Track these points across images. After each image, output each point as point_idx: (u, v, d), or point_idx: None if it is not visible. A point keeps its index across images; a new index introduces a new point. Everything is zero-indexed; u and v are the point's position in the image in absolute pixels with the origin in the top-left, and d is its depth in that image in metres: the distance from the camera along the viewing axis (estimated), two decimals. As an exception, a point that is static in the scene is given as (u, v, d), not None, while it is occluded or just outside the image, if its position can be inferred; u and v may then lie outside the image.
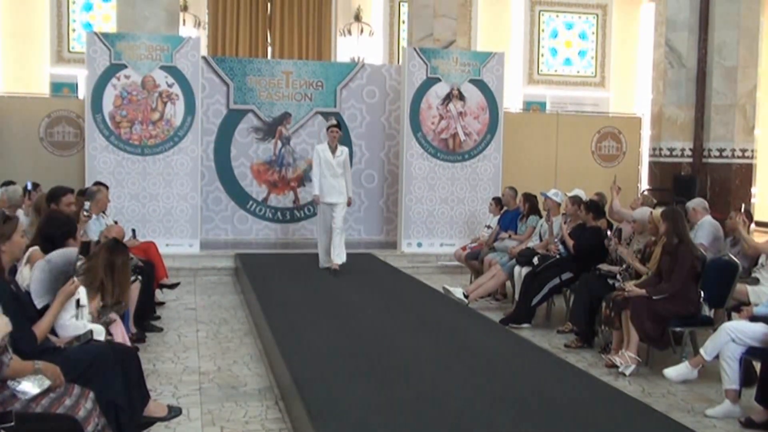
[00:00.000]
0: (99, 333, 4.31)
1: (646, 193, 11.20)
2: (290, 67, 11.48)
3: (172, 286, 7.84)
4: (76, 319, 4.20)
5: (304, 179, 11.38)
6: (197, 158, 10.14)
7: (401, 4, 15.51)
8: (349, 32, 15.69)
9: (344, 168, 8.82)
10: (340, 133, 8.87)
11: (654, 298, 5.63)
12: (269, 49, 15.66)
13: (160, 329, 6.71)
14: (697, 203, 7.35)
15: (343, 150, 8.85)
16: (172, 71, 9.99)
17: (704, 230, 7.01)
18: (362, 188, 11.55)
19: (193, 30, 15.03)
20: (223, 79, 11.05)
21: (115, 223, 7.59)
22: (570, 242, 7.16)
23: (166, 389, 5.09)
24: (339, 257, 8.71)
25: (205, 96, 10.83)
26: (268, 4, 15.55)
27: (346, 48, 15.72)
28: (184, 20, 14.45)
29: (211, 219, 11.12)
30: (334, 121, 8.89)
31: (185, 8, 14.94)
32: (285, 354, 5.14)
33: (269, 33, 15.67)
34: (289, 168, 11.39)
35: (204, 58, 11.11)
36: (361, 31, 15.65)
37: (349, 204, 8.99)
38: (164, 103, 10.01)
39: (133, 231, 7.81)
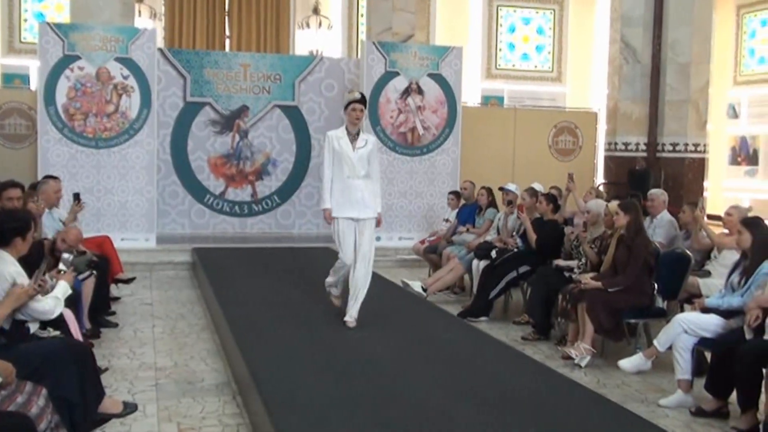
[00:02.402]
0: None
1: (600, 187, 11.36)
2: (248, 59, 11.39)
3: (128, 281, 7.74)
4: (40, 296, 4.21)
5: (262, 173, 11.33)
6: (153, 151, 10.02)
7: (366, -3, 15.47)
8: (308, 25, 15.61)
9: (369, 165, 6.03)
10: (364, 112, 6.09)
11: (609, 290, 5.71)
12: (227, 41, 15.50)
13: (116, 325, 6.62)
14: (660, 193, 7.46)
15: (367, 139, 6.07)
16: (128, 63, 9.84)
17: (663, 228, 7.13)
18: (321, 182, 11.48)
19: (149, 21, 14.81)
20: (180, 72, 10.92)
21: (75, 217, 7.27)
22: (533, 236, 7.21)
23: (121, 385, 5.02)
24: (355, 307, 5.91)
25: (162, 88, 10.70)
26: (226, -3, 15.40)
27: (304, 41, 15.63)
28: (139, 11, 14.22)
29: (167, 213, 10.99)
30: (356, 95, 6.06)
31: (141, -1, 14.72)
32: (243, 348, 5.10)
33: (227, 25, 15.51)
34: (247, 161, 11.31)
35: (160, 50, 10.97)
36: (320, 24, 15.57)
37: (379, 224, 6.15)
38: (119, 96, 9.86)
39: (76, 195, 7.23)
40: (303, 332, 5.72)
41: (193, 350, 5.95)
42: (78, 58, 9.71)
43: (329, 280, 6.33)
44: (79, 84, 9.75)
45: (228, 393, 4.95)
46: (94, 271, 6.22)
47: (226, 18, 15.47)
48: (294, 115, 11.37)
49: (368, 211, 5.99)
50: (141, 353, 5.83)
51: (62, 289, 4.45)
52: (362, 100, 6.02)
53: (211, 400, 4.81)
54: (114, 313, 7.02)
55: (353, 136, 6.00)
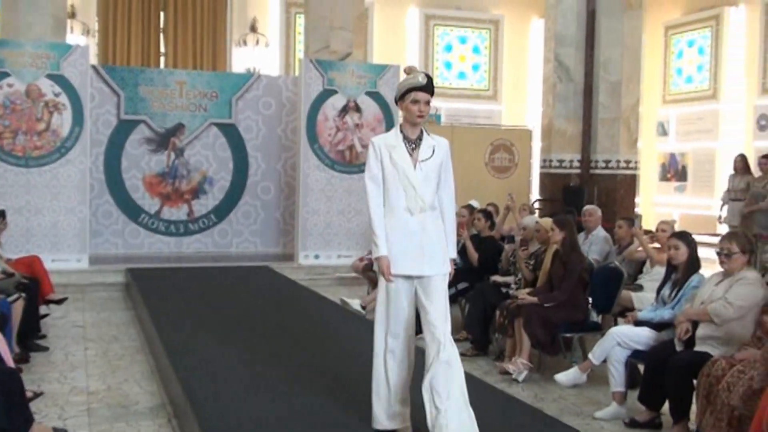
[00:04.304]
0: None
1: (534, 203, 11.55)
2: (184, 77, 11.26)
3: (59, 302, 7.52)
4: None
5: (198, 191, 11.19)
6: (86, 170, 9.80)
7: (297, 15, 15.46)
8: (245, 43, 15.52)
9: (438, 187, 4.02)
10: (430, 105, 3.97)
11: (545, 305, 5.78)
12: (162, 58, 15.31)
13: (46, 348, 6.42)
14: (595, 209, 7.60)
15: (434, 146, 4.01)
16: (59, 80, 9.62)
17: (598, 245, 7.26)
18: (259, 200, 11.43)
19: (82, 38, 14.53)
20: (114, 89, 10.73)
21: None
22: (474, 254, 7.27)
23: (51, 411, 4.87)
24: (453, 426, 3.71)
25: (95, 106, 10.49)
26: (161, 13, 15.20)
27: (241, 59, 15.54)
28: (72, 27, 13.94)
29: (100, 233, 10.75)
30: (420, 79, 3.90)
31: (73, 15, 14.43)
32: (178, 370, 5.01)
33: (162, 42, 15.32)
34: (182, 180, 11.15)
35: (93, 66, 10.77)
36: (257, 41, 15.50)
37: (453, 273, 4.06)
38: (50, 113, 9.63)
39: (2, 213, 7.19)
40: (240, 353, 5.64)
41: (127, 373, 5.81)
42: (7, 75, 9.46)
43: (376, 407, 3.99)
44: (8, 101, 9.49)
45: (163, 416, 4.84)
46: (23, 294, 6.04)
47: (161, 35, 15.28)
48: (231, 133, 11.27)
49: (435, 263, 3.91)
50: (72, 377, 5.67)
51: None
52: (429, 87, 3.90)
53: (146, 423, 4.70)
54: (44, 336, 6.81)
55: (413, 144, 3.96)
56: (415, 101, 3.88)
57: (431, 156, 3.96)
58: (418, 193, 3.89)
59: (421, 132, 3.99)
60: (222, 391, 4.60)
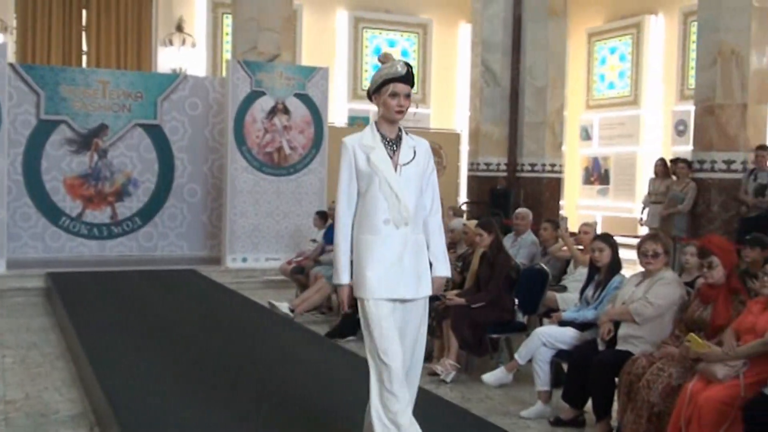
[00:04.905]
0: None
1: (462, 206, 11.68)
2: (107, 76, 11.00)
3: (-26, 309, 7.27)
4: None
5: (122, 194, 10.94)
6: (3, 172, 9.47)
7: (225, 15, 15.28)
8: (171, 42, 15.25)
9: (421, 194, 3.53)
10: (410, 99, 3.46)
11: (473, 306, 5.85)
12: (84, 57, 14.92)
13: (-40, 356, 6.20)
14: (527, 212, 7.68)
15: (415, 147, 3.55)
16: (-26, 78, 9.29)
17: (526, 248, 7.36)
18: (185, 203, 11.24)
19: (-1, 35, 14.07)
20: (33, 88, 10.40)
21: None
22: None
23: (-35, 421, 4.69)
24: None
25: (13, 105, 10.14)
26: (83, 11, 14.82)
27: (167, 59, 15.26)
28: (-12, 24, 13.49)
29: (19, 236, 10.40)
30: (398, 68, 3.42)
31: (-10, 11, 13.97)
32: (100, 377, 4.88)
33: (84, 40, 14.93)
34: (106, 182, 10.88)
35: (11, 65, 10.42)
36: (183, 41, 15.26)
37: (437, 292, 3.69)
38: (-35, 112, 9.28)
39: None
40: (165, 359, 5.54)
41: (47, 381, 5.64)
42: None
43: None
44: None
45: (85, 425, 4.71)
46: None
47: (83, 33, 14.89)
48: (156, 134, 11.06)
49: (420, 285, 3.49)
50: (-12, 386, 5.48)
51: None
52: (408, 77, 3.45)
53: (66, 432, 4.57)
54: (-42, 344, 6.57)
55: (393, 145, 3.50)
56: (394, 94, 3.41)
57: (412, 158, 3.49)
58: (402, 203, 3.40)
59: (400, 131, 3.53)
60: (146, 399, 4.50)
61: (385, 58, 3.50)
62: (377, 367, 3.39)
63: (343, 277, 3.46)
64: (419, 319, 3.52)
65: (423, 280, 3.48)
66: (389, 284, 3.40)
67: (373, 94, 3.47)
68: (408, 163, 3.47)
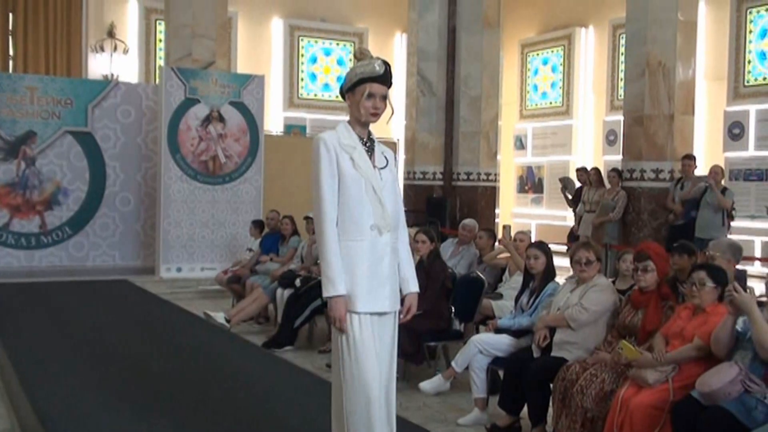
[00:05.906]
0: None
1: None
2: (35, 82, 10.71)
3: None
4: None
5: (51, 202, 10.65)
6: (-75, 180, 9.14)
7: (158, 21, 15.05)
8: (102, 49, 14.94)
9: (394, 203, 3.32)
10: (385, 103, 3.29)
11: (409, 315, 5.86)
12: (11, 62, 14.50)
13: None
14: (474, 224, 7.70)
15: (384, 153, 3.39)
16: None
17: (466, 260, 7.40)
18: (117, 212, 11.01)
19: None
20: (-43, 94, 10.08)
21: None
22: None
23: None
24: None
25: (-65, 111, 9.81)
26: (10, 15, 14.41)
27: (98, 65, 14.95)
28: None
29: (-58, 247, 10.05)
30: (376, 66, 3.22)
31: None
32: (29, 390, 4.74)
33: (11, 45, 14.52)
34: (34, 191, 10.59)
35: (-67, 69, 10.08)
36: (115, 48, 14.96)
37: (414, 310, 3.43)
38: None
39: None
40: (97, 371, 5.40)
41: (-28, 397, 5.45)
42: None
43: None
44: None
45: (12, 441, 4.57)
46: None
47: (10, 38, 14.48)
48: (87, 141, 10.81)
49: (397, 297, 3.32)
50: None
51: None
52: (386, 77, 3.23)
53: (-8, 450, 4.42)
54: None
55: (368, 147, 3.31)
56: (370, 95, 3.17)
57: (386, 164, 3.29)
58: (386, 208, 3.19)
59: (370, 133, 3.32)
60: (78, 412, 4.39)
61: (360, 54, 3.28)
62: (354, 397, 3.08)
63: (339, 287, 3.11)
64: (392, 334, 3.28)
65: (396, 291, 3.28)
66: (377, 298, 3.17)
67: (346, 92, 3.24)
68: (384, 167, 3.29)
